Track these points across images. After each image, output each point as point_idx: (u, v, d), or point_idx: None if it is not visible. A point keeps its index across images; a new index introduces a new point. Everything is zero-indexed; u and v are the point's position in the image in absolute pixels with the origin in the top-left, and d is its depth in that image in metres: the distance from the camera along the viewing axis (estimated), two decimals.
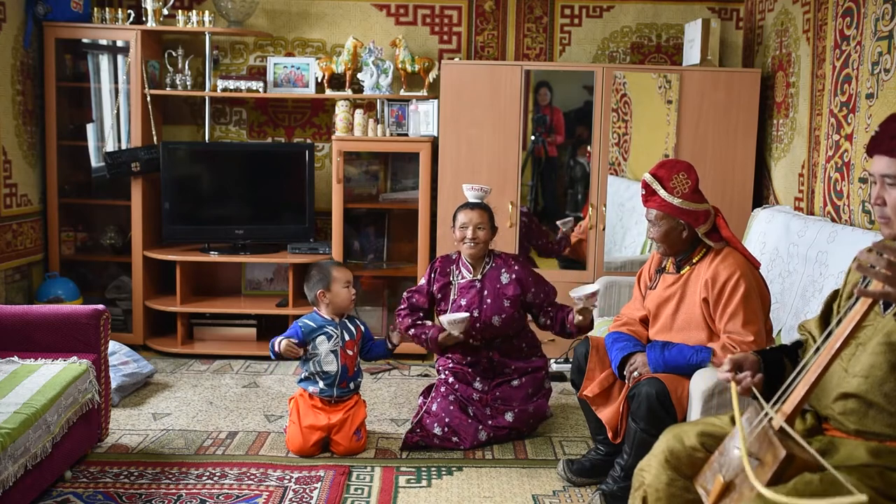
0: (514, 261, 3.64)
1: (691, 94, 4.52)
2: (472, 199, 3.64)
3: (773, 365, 2.02)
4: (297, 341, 3.35)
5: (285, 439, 3.43)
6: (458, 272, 3.63)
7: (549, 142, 4.76)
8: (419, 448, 3.42)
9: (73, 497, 2.90)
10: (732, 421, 2.02)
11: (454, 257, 3.69)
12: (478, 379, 3.58)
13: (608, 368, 2.98)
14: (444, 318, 3.41)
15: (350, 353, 3.42)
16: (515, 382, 3.58)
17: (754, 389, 1.89)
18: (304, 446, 3.32)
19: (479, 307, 3.54)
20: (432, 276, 3.67)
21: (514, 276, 3.58)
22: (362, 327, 3.54)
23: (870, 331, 1.87)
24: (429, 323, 3.65)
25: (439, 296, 3.64)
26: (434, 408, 3.49)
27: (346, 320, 3.48)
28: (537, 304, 3.61)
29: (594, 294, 3.32)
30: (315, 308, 3.50)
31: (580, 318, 3.40)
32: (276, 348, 3.33)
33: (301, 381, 3.45)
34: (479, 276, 3.60)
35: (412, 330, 3.60)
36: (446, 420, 3.44)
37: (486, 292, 3.56)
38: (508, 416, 3.51)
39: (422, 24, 5.03)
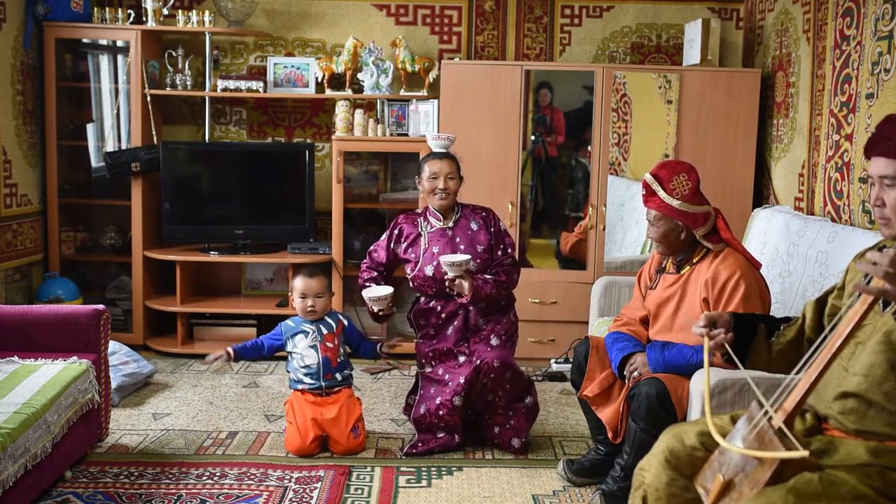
0: (481, 210, 3.59)
1: (691, 94, 4.52)
2: (438, 149, 3.57)
3: (744, 327, 2.14)
4: (231, 351, 3.43)
5: (284, 441, 3.43)
6: (426, 223, 3.56)
7: (549, 142, 4.76)
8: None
9: (73, 497, 2.90)
10: (733, 420, 2.02)
11: (419, 212, 3.63)
12: (457, 353, 3.46)
13: (608, 368, 2.98)
14: (444, 259, 3.32)
15: (329, 345, 3.43)
16: (489, 337, 3.48)
17: (727, 346, 2.03)
18: (302, 445, 3.32)
19: (453, 252, 3.47)
20: (394, 232, 3.59)
21: (482, 223, 3.53)
22: (344, 321, 3.53)
23: (869, 329, 1.87)
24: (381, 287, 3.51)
25: (409, 250, 3.53)
26: (422, 410, 3.41)
27: (326, 317, 3.48)
28: (495, 259, 3.53)
29: (459, 263, 3.28)
30: None
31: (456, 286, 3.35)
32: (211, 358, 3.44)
33: (291, 383, 3.48)
34: (450, 224, 3.53)
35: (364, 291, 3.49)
36: (438, 416, 3.38)
37: (458, 239, 3.50)
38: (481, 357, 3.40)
39: (422, 24, 5.03)
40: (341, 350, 3.48)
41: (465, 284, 3.34)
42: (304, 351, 3.42)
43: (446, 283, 3.40)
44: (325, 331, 3.45)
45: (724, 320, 2.10)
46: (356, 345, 3.56)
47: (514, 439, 3.40)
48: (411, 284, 3.60)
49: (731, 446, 1.76)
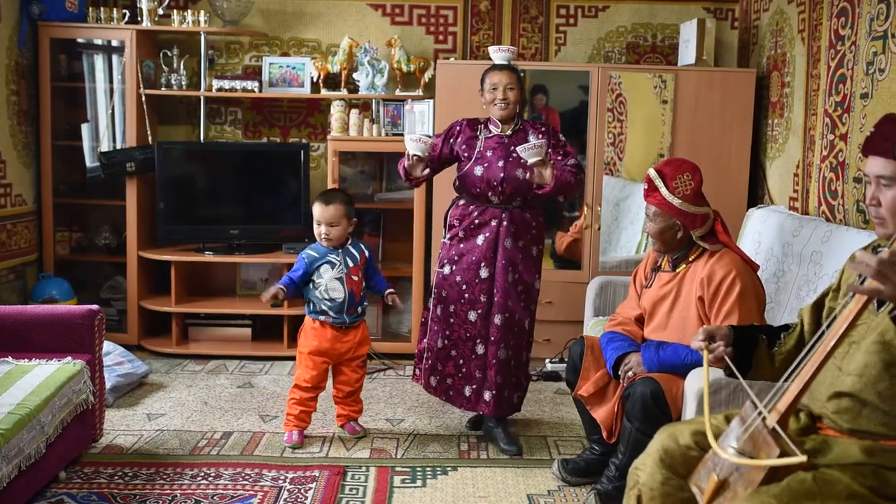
0: (542, 125, 3.60)
1: (686, 93, 4.53)
2: (499, 61, 3.60)
3: (745, 339, 2.10)
4: (284, 287, 3.40)
5: (294, 377, 3.49)
6: (485, 129, 3.57)
7: None
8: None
9: (67, 498, 2.90)
10: (727, 419, 2.02)
11: (481, 119, 3.63)
12: (482, 265, 3.47)
13: (603, 368, 2.98)
14: (521, 148, 3.27)
15: (355, 278, 3.47)
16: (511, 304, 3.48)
17: (727, 359, 2.01)
18: (316, 374, 3.42)
19: (505, 159, 3.46)
20: (454, 129, 3.61)
21: (541, 137, 3.48)
22: (366, 253, 3.56)
23: (863, 329, 1.87)
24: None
25: (464, 146, 3.55)
26: (439, 312, 3.52)
27: (350, 247, 3.51)
28: (555, 164, 3.48)
29: (539, 146, 3.25)
30: None
31: (536, 177, 3.34)
32: (267, 296, 3.40)
33: (310, 312, 3.50)
34: (508, 132, 3.53)
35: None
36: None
37: (512, 148, 3.48)
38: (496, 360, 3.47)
39: (417, 23, 5.03)
40: (363, 284, 3.53)
41: (547, 173, 3.31)
42: (329, 283, 3.43)
43: (526, 176, 3.40)
44: (350, 263, 3.47)
45: (723, 333, 2.07)
46: (370, 277, 3.59)
47: (485, 392, 3.48)
48: (455, 184, 3.60)
49: (731, 456, 1.75)
